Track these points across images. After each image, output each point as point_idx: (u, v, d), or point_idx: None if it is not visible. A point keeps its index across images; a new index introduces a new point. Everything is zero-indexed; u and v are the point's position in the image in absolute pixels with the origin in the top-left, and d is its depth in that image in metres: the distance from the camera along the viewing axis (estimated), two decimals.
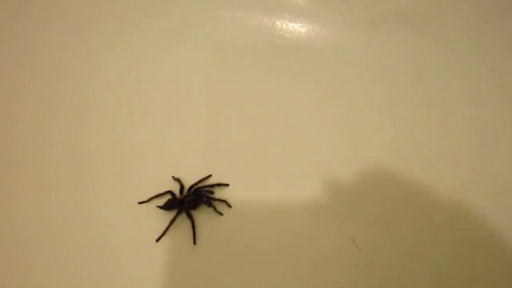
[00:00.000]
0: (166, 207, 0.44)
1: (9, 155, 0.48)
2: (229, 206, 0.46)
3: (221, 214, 0.45)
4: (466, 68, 0.53)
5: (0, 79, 0.51)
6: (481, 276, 0.44)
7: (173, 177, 0.47)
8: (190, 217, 0.44)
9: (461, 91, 0.52)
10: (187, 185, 0.46)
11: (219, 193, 0.46)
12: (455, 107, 0.51)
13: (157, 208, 0.45)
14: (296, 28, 0.55)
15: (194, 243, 0.44)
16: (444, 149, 0.49)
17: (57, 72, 0.52)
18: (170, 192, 0.45)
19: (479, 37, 0.54)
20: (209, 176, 0.47)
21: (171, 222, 0.44)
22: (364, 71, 0.53)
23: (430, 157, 0.49)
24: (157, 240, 0.44)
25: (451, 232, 0.46)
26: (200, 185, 0.46)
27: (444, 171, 0.48)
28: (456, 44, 0.54)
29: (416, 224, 0.46)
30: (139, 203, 0.45)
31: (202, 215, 0.45)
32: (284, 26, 0.55)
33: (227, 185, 0.47)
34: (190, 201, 0.45)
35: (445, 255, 0.45)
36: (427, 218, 0.46)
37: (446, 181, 0.48)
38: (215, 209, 0.45)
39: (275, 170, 0.48)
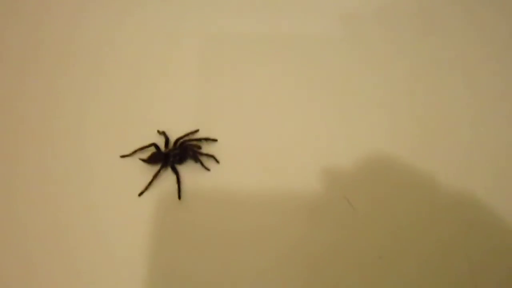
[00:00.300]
0: (150, 160, 0.42)
1: None
2: (217, 161, 0.43)
3: (208, 170, 0.43)
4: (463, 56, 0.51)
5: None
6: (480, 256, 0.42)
7: (158, 130, 0.44)
8: (176, 171, 0.42)
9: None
10: (172, 139, 0.44)
11: (206, 149, 0.44)
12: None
13: (141, 161, 0.42)
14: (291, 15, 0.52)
15: (179, 197, 0.41)
16: (442, 129, 0.47)
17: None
18: (154, 145, 0.43)
19: None
20: (197, 130, 0.45)
21: (155, 176, 0.42)
22: (361, 58, 0.50)
23: (428, 138, 0.47)
24: (140, 194, 0.42)
25: (445, 193, 0.44)
26: (186, 138, 0.44)
27: (445, 151, 0.46)
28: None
29: (416, 202, 0.44)
30: (122, 156, 0.43)
31: (188, 169, 0.43)
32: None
33: (215, 140, 0.44)
34: (176, 155, 0.42)
35: (444, 228, 0.42)
36: (423, 191, 0.44)
37: (447, 145, 0.45)
38: (202, 164, 0.43)
39: (266, 126, 0.46)
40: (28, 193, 0.42)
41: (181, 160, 0.43)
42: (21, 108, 0.46)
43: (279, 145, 0.45)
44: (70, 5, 0.51)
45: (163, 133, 0.44)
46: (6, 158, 0.44)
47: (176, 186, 0.42)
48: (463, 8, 0.52)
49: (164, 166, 0.42)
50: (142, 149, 0.43)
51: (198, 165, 0.43)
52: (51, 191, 0.42)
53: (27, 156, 0.44)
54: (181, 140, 0.44)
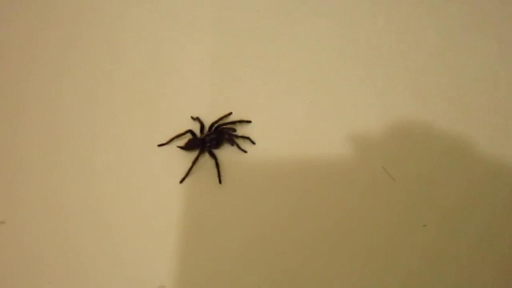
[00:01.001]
0: (187, 147, 0.43)
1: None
2: (253, 143, 0.44)
3: (245, 152, 0.43)
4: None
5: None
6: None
7: (191, 116, 0.44)
8: (213, 156, 0.42)
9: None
10: (207, 124, 0.44)
11: (241, 131, 0.44)
12: (483, 31, 0.47)
13: (178, 148, 0.43)
14: None
15: (220, 182, 0.42)
16: (475, 81, 0.46)
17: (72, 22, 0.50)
18: (190, 131, 0.43)
19: None
20: (230, 113, 0.45)
21: (194, 162, 0.42)
22: (385, 20, 0.49)
23: (460, 91, 0.46)
24: (181, 181, 0.42)
25: (489, 160, 0.43)
26: (220, 122, 0.44)
27: (475, 106, 0.45)
28: None
29: (452, 148, 0.43)
30: (159, 145, 0.43)
31: (226, 153, 0.43)
32: None
33: (249, 121, 0.44)
34: (212, 139, 0.43)
35: (488, 195, 0.42)
36: (464, 162, 0.43)
37: (483, 107, 0.45)
38: (238, 146, 0.43)
39: (299, 104, 0.46)
40: (72, 186, 0.43)
41: (218, 144, 0.43)
42: (60, 104, 0.46)
43: (311, 118, 0.45)
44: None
45: (197, 119, 0.44)
46: (44, 151, 0.44)
47: (215, 170, 0.42)
48: None
49: (201, 151, 0.42)
50: (178, 136, 0.43)
51: (234, 148, 0.43)
52: (94, 183, 0.43)
53: (67, 150, 0.44)
54: (216, 125, 0.44)
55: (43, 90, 0.47)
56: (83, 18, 0.50)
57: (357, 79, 0.47)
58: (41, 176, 0.43)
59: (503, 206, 0.41)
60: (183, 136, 0.43)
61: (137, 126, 0.45)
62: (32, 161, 0.44)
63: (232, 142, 0.43)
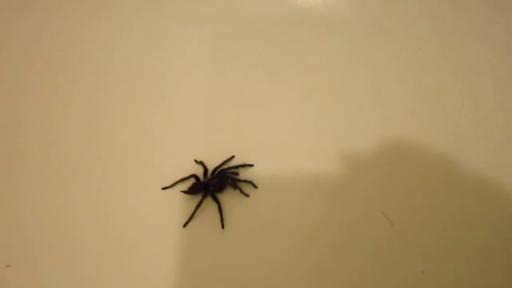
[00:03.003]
0: (191, 191, 0.43)
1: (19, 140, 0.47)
2: (255, 186, 0.44)
3: (248, 196, 0.44)
4: (489, 30, 0.51)
5: (8, 65, 0.50)
6: None
7: (195, 160, 0.45)
8: (216, 200, 0.43)
9: (488, 54, 0.50)
10: (210, 167, 0.45)
11: (244, 174, 0.45)
12: (482, 71, 0.49)
13: (182, 193, 0.43)
14: None
15: (222, 227, 0.43)
16: (474, 117, 0.47)
17: (69, 58, 0.50)
18: (194, 175, 0.44)
19: None
20: (232, 157, 0.45)
21: (197, 206, 0.43)
22: (387, 39, 0.51)
23: (460, 125, 0.47)
24: (185, 225, 0.43)
25: (484, 195, 0.44)
26: (224, 166, 0.45)
27: (475, 140, 0.46)
28: (476, 5, 0.52)
29: (447, 195, 0.44)
30: (163, 188, 0.44)
31: (228, 197, 0.44)
32: None
33: (251, 165, 0.45)
34: (215, 183, 0.43)
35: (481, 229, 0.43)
36: (459, 189, 0.45)
37: (478, 150, 0.46)
38: (241, 190, 0.44)
39: (300, 146, 0.47)
40: (75, 229, 0.43)
41: (221, 189, 0.44)
42: (61, 146, 0.47)
43: (314, 162, 0.46)
44: (96, 44, 0.52)
45: (201, 163, 0.45)
46: (46, 193, 0.45)
47: (218, 215, 0.43)
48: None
49: (205, 195, 0.43)
50: (182, 180, 0.44)
51: (237, 192, 0.44)
52: (97, 227, 0.43)
53: (70, 193, 0.45)
54: (219, 169, 0.44)
55: (42, 133, 0.47)
56: (85, 59, 0.51)
57: (358, 123, 0.48)
58: (44, 221, 0.43)
59: (500, 249, 0.42)
60: (186, 180, 0.44)
61: (141, 169, 0.45)
62: (34, 202, 0.44)
63: (235, 186, 0.44)
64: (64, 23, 0.52)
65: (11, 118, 0.48)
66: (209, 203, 0.44)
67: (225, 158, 0.45)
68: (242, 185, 0.44)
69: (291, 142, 0.47)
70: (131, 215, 0.44)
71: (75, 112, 0.48)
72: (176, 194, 0.44)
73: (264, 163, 0.46)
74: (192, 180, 0.44)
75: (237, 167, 0.45)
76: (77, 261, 0.42)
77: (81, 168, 0.45)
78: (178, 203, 0.44)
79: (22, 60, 0.50)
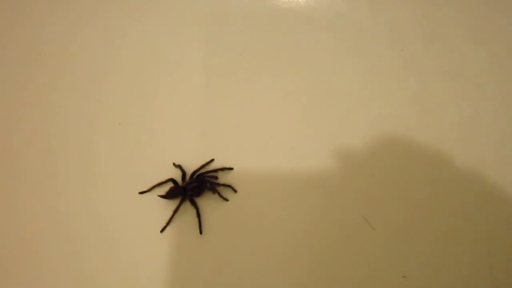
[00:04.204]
0: (168, 195, 0.42)
1: (11, 148, 0.46)
2: (235, 191, 0.44)
3: (227, 200, 0.43)
4: (479, 31, 0.50)
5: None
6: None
7: (174, 163, 0.44)
8: (195, 205, 0.42)
9: (475, 56, 0.49)
10: (189, 171, 0.44)
11: (223, 178, 0.44)
12: (469, 72, 0.48)
13: (159, 197, 0.42)
14: None
15: (200, 232, 0.42)
16: (459, 117, 0.47)
17: (59, 62, 0.50)
18: (172, 180, 0.43)
19: None
20: (212, 160, 0.45)
21: (175, 211, 0.42)
22: (373, 39, 0.50)
23: (445, 126, 0.46)
24: (162, 230, 0.42)
25: (469, 205, 0.44)
26: (202, 170, 0.44)
27: (461, 140, 0.46)
28: (467, 5, 0.51)
29: (432, 196, 0.44)
30: (140, 193, 0.43)
31: (207, 202, 0.43)
32: None
33: (231, 169, 0.44)
34: (194, 188, 0.43)
35: (465, 228, 0.43)
36: (444, 189, 0.44)
37: (463, 150, 0.45)
38: (220, 195, 0.43)
39: (281, 149, 0.46)
40: (49, 233, 0.42)
41: (199, 193, 0.43)
42: (47, 150, 0.46)
43: (293, 166, 0.45)
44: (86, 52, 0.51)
45: (179, 166, 0.44)
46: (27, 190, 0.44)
47: (196, 219, 0.42)
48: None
49: (183, 200, 0.42)
50: (160, 184, 0.43)
51: (216, 196, 0.43)
52: (72, 231, 0.43)
53: (46, 194, 0.44)
54: (198, 173, 0.44)
55: (30, 132, 0.46)
56: (66, 58, 0.50)
57: (341, 127, 0.47)
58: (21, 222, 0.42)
59: (482, 256, 0.42)
60: (164, 184, 0.43)
61: (118, 173, 0.44)
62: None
63: (214, 191, 0.43)
64: (60, 24, 0.51)
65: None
66: (187, 207, 0.43)
67: (204, 162, 0.44)
68: (221, 189, 0.43)
69: (272, 148, 0.46)
70: (107, 220, 0.43)
71: (55, 114, 0.47)
72: (154, 198, 0.43)
73: (244, 166, 0.45)
74: (170, 185, 0.43)
75: (216, 170, 0.44)
76: (46, 264, 0.41)
77: (57, 172, 0.45)
78: (156, 208, 0.43)
79: (18, 61, 0.50)
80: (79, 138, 0.46)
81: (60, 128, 0.47)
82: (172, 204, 0.42)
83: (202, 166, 0.44)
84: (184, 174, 0.44)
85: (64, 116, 0.47)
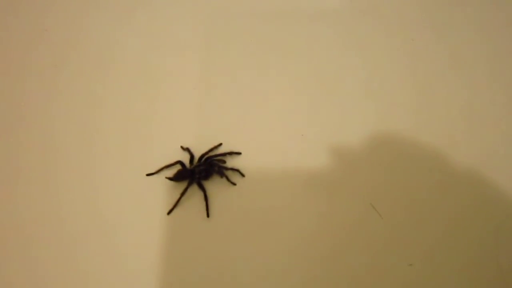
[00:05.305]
0: (176, 178, 0.42)
1: (14, 124, 0.46)
2: (243, 175, 0.43)
3: (234, 184, 0.43)
4: (486, 21, 0.50)
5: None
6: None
7: (181, 146, 0.44)
8: (202, 188, 0.42)
9: (483, 46, 0.49)
10: (197, 155, 0.44)
11: (231, 162, 0.44)
12: (477, 63, 0.48)
13: (167, 179, 0.42)
14: None
15: (207, 215, 0.42)
16: (467, 108, 0.47)
17: (65, 40, 0.50)
18: (179, 162, 0.43)
19: None
20: (220, 144, 0.44)
21: (182, 193, 0.41)
22: (381, 30, 0.50)
23: (453, 117, 0.46)
24: (169, 212, 0.42)
25: (477, 193, 0.43)
26: (211, 154, 0.44)
27: (468, 132, 0.46)
28: None
29: (440, 184, 0.44)
30: (148, 175, 0.43)
31: (215, 185, 0.43)
32: None
33: (239, 153, 0.44)
34: (202, 171, 0.42)
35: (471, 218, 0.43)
36: (450, 184, 0.44)
37: (470, 142, 0.45)
38: (228, 179, 0.43)
39: (289, 136, 0.46)
40: (57, 215, 0.42)
41: (207, 176, 0.43)
42: (45, 130, 0.46)
43: (302, 151, 0.45)
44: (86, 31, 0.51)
45: (187, 149, 0.44)
46: (32, 176, 0.44)
47: (203, 203, 0.42)
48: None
49: (190, 183, 0.42)
50: (167, 166, 0.43)
51: (224, 180, 0.43)
52: (80, 213, 0.42)
53: (53, 177, 0.44)
54: (206, 156, 0.43)
55: (32, 115, 0.46)
56: (73, 43, 0.50)
57: (349, 110, 0.47)
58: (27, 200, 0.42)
59: (488, 243, 0.42)
60: (172, 167, 0.43)
61: (126, 155, 0.44)
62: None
63: (222, 174, 0.43)
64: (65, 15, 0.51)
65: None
66: (194, 190, 0.42)
67: (212, 146, 0.44)
68: (229, 173, 0.43)
69: (280, 133, 0.46)
70: (115, 201, 0.43)
71: (61, 100, 0.47)
72: (161, 180, 0.43)
73: (252, 153, 0.45)
74: (178, 167, 0.43)
75: (224, 154, 0.44)
76: (61, 247, 0.41)
77: (64, 153, 0.44)
78: (163, 190, 0.43)
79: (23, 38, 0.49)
80: (86, 118, 0.46)
81: (66, 108, 0.46)
82: (179, 187, 0.42)
83: (211, 150, 0.44)
84: (192, 157, 0.43)
85: (70, 96, 0.47)
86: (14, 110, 0.47)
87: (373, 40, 0.50)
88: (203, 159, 0.43)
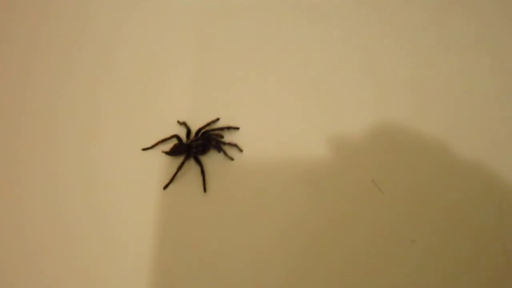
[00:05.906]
0: (172, 152, 0.41)
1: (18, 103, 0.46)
2: (240, 150, 0.42)
3: (232, 159, 0.42)
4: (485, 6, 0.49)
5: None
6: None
7: (178, 121, 0.43)
8: (199, 162, 0.41)
9: (485, 33, 0.48)
10: (193, 129, 0.43)
11: (228, 138, 0.43)
12: (479, 53, 0.47)
13: (163, 154, 0.41)
14: None
15: (205, 190, 0.41)
16: (469, 99, 0.45)
17: (67, 22, 0.50)
18: (176, 136, 0.42)
19: None
20: (217, 119, 0.43)
21: (179, 168, 0.41)
22: (380, 20, 0.49)
23: (454, 109, 0.45)
24: (165, 187, 0.41)
25: (481, 171, 0.42)
26: (208, 128, 0.43)
27: (470, 123, 0.44)
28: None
29: (443, 161, 0.42)
30: (143, 149, 0.42)
31: (212, 160, 0.42)
32: None
33: (237, 128, 0.43)
34: (199, 145, 0.41)
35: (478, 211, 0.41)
36: (456, 155, 0.43)
37: (474, 122, 0.44)
38: (225, 153, 0.42)
39: (289, 113, 0.45)
40: (52, 188, 0.42)
41: (204, 151, 0.42)
42: (44, 107, 0.45)
43: (301, 127, 0.44)
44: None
45: (183, 124, 0.43)
46: (23, 158, 0.43)
47: (200, 177, 0.41)
48: None
49: (187, 157, 0.41)
50: (164, 141, 0.42)
51: (221, 155, 0.42)
52: (76, 186, 0.42)
53: (50, 152, 0.43)
54: (203, 130, 0.42)
55: (39, 93, 0.46)
56: (70, 19, 0.49)
57: (349, 87, 0.46)
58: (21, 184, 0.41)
59: (491, 221, 0.41)
60: (168, 141, 0.42)
61: (122, 129, 0.44)
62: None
63: (219, 149, 0.42)
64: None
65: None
66: (191, 165, 0.42)
67: (209, 120, 0.43)
68: (226, 148, 0.42)
69: (278, 108, 0.45)
70: (110, 175, 0.42)
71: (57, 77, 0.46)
72: (157, 155, 0.42)
73: (250, 128, 0.44)
74: (174, 141, 0.42)
75: (222, 129, 0.43)
76: (58, 218, 0.41)
77: (61, 128, 0.44)
78: (159, 165, 0.42)
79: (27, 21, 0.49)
80: (83, 92, 0.45)
81: (62, 84, 0.46)
82: (176, 161, 0.41)
83: (208, 124, 0.43)
84: (189, 131, 0.43)
85: (66, 73, 0.46)
86: (19, 83, 0.46)
87: (372, 29, 0.49)
88: (200, 133, 0.42)
